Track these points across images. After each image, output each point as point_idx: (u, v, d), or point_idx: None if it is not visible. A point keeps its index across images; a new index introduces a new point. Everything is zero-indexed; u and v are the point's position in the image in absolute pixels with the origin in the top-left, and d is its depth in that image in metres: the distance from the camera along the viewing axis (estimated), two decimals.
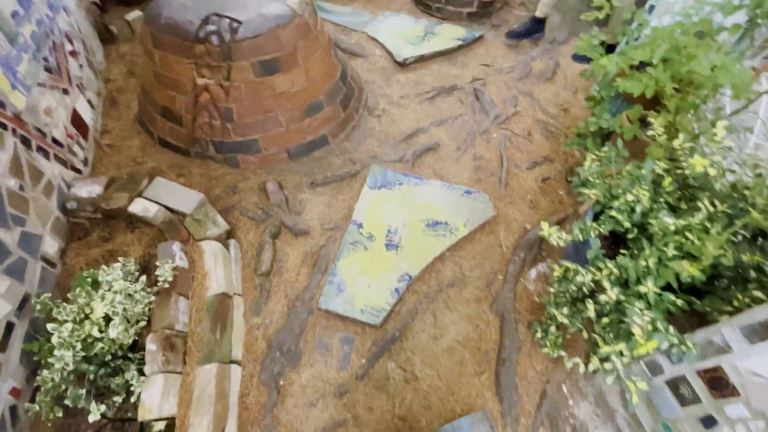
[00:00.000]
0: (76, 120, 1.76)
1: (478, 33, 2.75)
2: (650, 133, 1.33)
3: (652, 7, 1.95)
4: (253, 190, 1.82)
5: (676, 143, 1.23)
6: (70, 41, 1.89)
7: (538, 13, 2.58)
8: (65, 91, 1.72)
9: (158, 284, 1.20)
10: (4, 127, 1.27)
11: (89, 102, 1.94)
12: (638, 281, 1.08)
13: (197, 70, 1.66)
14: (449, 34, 2.72)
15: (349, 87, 2.14)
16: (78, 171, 1.68)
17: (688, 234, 1.05)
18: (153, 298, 1.17)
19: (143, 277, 1.22)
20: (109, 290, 1.06)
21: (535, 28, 2.64)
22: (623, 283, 1.12)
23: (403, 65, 2.52)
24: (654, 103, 1.47)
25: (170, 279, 1.19)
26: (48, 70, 1.61)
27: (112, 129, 1.99)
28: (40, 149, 1.44)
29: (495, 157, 2.04)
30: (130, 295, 1.08)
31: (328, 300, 1.43)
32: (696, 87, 1.40)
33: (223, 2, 1.68)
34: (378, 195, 1.80)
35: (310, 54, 1.81)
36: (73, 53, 1.89)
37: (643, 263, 1.08)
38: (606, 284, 1.09)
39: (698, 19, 1.41)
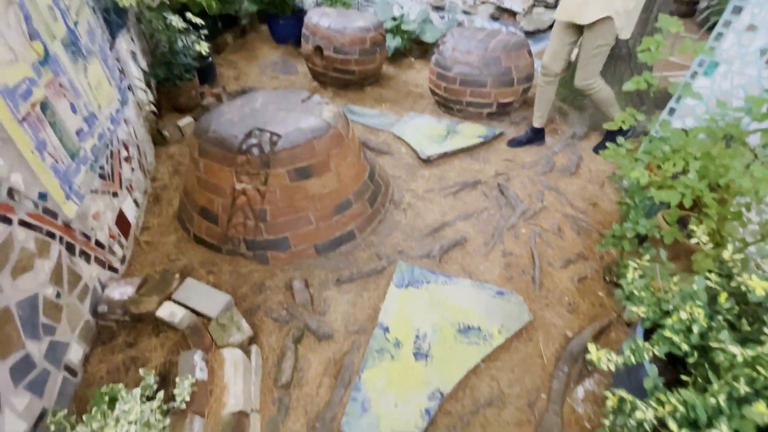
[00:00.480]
0: (121, 220, 1.87)
1: (498, 130, 2.89)
2: (694, 241, 1.27)
3: (672, 110, 2.01)
4: (280, 288, 1.81)
5: (725, 255, 1.16)
6: (126, 148, 2.09)
7: (536, 124, 2.71)
8: (115, 194, 1.86)
9: (175, 403, 1.13)
10: (53, 236, 1.35)
11: (135, 201, 2.08)
12: (710, 422, 0.93)
13: (237, 176, 1.78)
14: (470, 132, 2.87)
15: (376, 184, 2.22)
16: (115, 270, 1.73)
17: (760, 368, 0.92)
18: (168, 422, 1.10)
19: (161, 394, 1.16)
20: (125, 420, 1.00)
21: (535, 137, 2.75)
22: (692, 423, 0.97)
23: (427, 162, 2.63)
24: (692, 204, 1.43)
25: (188, 399, 1.13)
26: (102, 177, 1.76)
27: (152, 226, 2.10)
28: (82, 253, 1.50)
29: (525, 254, 1.99)
30: (146, 423, 1.02)
31: (351, 422, 1.30)
32: (735, 193, 1.36)
33: (266, 117, 1.85)
34: (405, 294, 1.74)
35: (341, 159, 1.92)
36: (127, 158, 2.08)
37: (712, 400, 0.94)
38: (672, 426, 0.94)
39: (725, 124, 1.42)
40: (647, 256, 1.25)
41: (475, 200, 2.36)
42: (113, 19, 2.36)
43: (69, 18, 1.69)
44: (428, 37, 3.86)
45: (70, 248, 1.43)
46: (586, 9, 2.08)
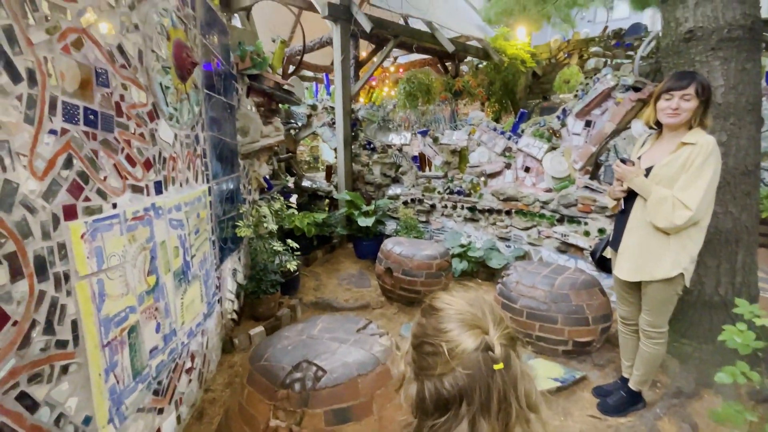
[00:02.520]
0: None
1: (579, 373, 2.51)
2: None
3: None
4: None
5: None
6: (192, 359, 2.22)
7: (626, 374, 2.30)
8: (161, 411, 1.86)
9: None
10: None
11: (179, 417, 2.04)
12: None
13: (274, 412, 1.69)
14: (545, 371, 2.53)
15: None
16: None
17: None
18: None
19: None
20: None
21: (633, 400, 2.26)
22: None
23: None
24: None
25: None
26: (156, 392, 1.82)
27: None
28: None
29: None
30: None
31: None
32: None
33: (319, 348, 1.89)
34: None
35: (386, 401, 1.76)
36: (189, 370, 2.18)
37: None
38: None
39: None
40: None
41: None
42: (228, 246, 2.96)
43: (189, 253, 2.15)
44: (494, 263, 4.04)
45: None
46: (653, 268, 1.99)
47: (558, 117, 3.83)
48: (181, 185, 2.10)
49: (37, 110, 1.18)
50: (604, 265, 2.39)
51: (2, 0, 1.06)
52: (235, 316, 3.12)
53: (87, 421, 1.37)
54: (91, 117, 1.40)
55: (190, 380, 2.20)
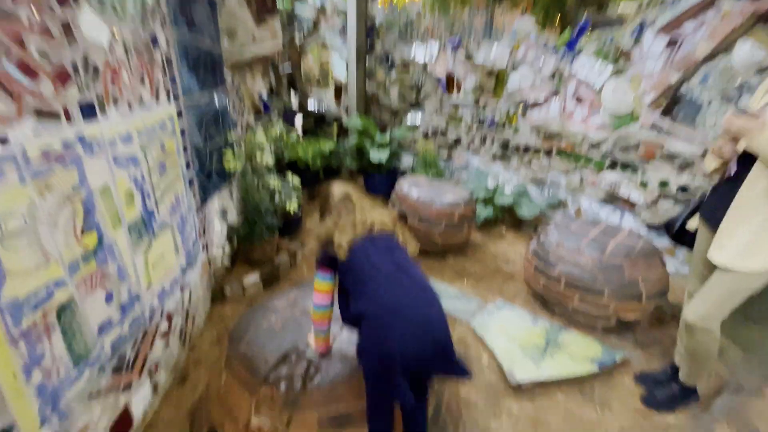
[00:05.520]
0: (120, 421, 1.53)
1: (619, 354, 2.14)
2: None
3: None
4: None
5: None
6: (169, 320, 1.89)
7: (682, 378, 1.87)
8: (126, 387, 1.56)
9: None
10: None
11: (155, 386, 1.77)
12: None
13: (256, 407, 1.36)
14: (579, 351, 2.17)
15: (440, 427, 1.60)
16: None
17: None
18: None
19: None
20: None
21: (685, 395, 1.88)
22: None
23: (517, 389, 1.96)
24: None
25: None
26: (118, 369, 1.49)
27: (158, 424, 1.72)
28: None
29: None
30: None
31: None
32: None
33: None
34: None
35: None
36: (165, 334, 1.85)
37: None
38: None
39: None
40: None
41: None
42: (213, 182, 2.47)
43: (150, 199, 1.67)
44: (524, 212, 3.52)
45: None
46: (756, 254, 1.47)
47: (632, 33, 2.97)
48: (130, 106, 1.54)
49: None
50: (682, 238, 1.86)
51: None
52: (227, 261, 2.76)
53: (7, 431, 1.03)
54: None
55: (167, 344, 1.89)
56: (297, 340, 1.44)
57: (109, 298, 1.42)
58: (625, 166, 3.11)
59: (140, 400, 1.66)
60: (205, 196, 2.35)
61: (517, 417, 1.84)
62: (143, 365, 1.68)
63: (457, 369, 1.22)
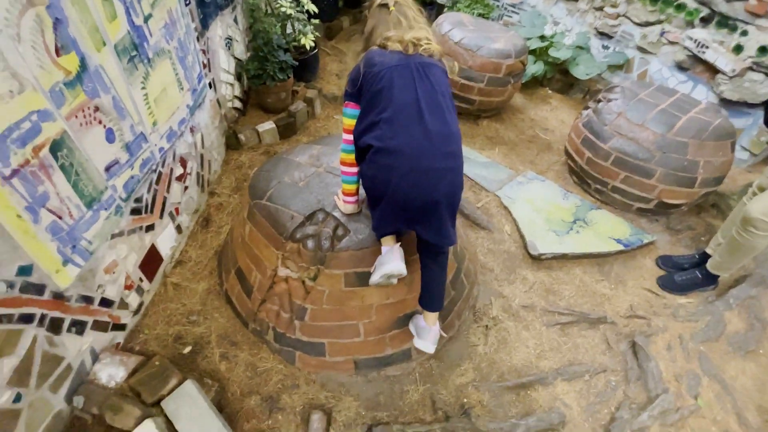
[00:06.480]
0: (150, 257, 1.57)
1: (647, 236, 2.08)
2: None
3: None
4: (295, 414, 1.38)
5: None
6: (184, 164, 1.77)
7: (711, 266, 1.81)
8: (150, 228, 1.55)
9: None
10: (29, 319, 1.03)
11: (178, 227, 1.77)
12: None
13: (283, 260, 1.34)
14: (607, 229, 2.11)
15: (458, 289, 1.65)
16: (122, 327, 1.44)
17: None
18: None
19: None
20: None
21: (706, 281, 1.86)
22: None
23: (536, 259, 1.97)
24: None
25: None
26: (137, 211, 1.44)
27: (188, 261, 1.79)
28: (75, 325, 1.20)
29: None
30: None
31: None
32: None
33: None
34: None
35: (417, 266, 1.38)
36: (181, 177, 1.76)
37: None
38: None
39: None
40: None
41: (591, 348, 1.67)
42: (213, 1, 2.00)
43: (137, 12, 1.32)
44: (579, 71, 3.01)
45: (54, 326, 1.13)
46: None
47: None
48: None
49: None
50: None
51: None
52: (238, 104, 2.49)
53: (25, 271, 1.01)
54: None
55: (186, 187, 1.82)
56: (323, 200, 1.32)
57: (110, 136, 1.24)
58: (723, 23, 2.47)
59: (166, 240, 1.68)
60: (205, 18, 1.93)
61: (532, 285, 1.89)
62: (162, 208, 1.63)
63: (441, 242, 1.15)
